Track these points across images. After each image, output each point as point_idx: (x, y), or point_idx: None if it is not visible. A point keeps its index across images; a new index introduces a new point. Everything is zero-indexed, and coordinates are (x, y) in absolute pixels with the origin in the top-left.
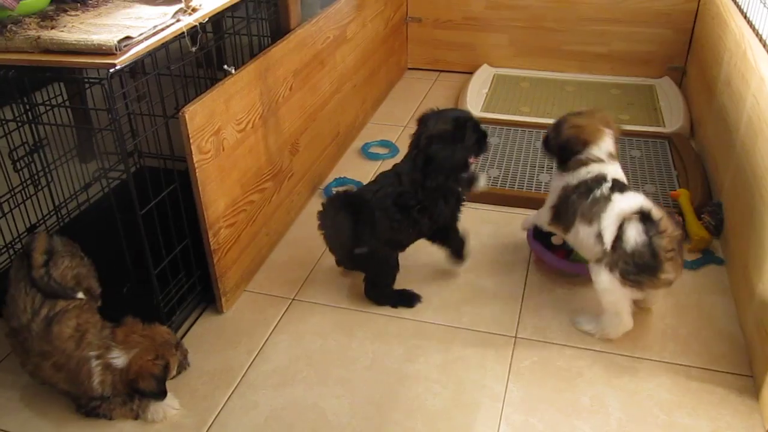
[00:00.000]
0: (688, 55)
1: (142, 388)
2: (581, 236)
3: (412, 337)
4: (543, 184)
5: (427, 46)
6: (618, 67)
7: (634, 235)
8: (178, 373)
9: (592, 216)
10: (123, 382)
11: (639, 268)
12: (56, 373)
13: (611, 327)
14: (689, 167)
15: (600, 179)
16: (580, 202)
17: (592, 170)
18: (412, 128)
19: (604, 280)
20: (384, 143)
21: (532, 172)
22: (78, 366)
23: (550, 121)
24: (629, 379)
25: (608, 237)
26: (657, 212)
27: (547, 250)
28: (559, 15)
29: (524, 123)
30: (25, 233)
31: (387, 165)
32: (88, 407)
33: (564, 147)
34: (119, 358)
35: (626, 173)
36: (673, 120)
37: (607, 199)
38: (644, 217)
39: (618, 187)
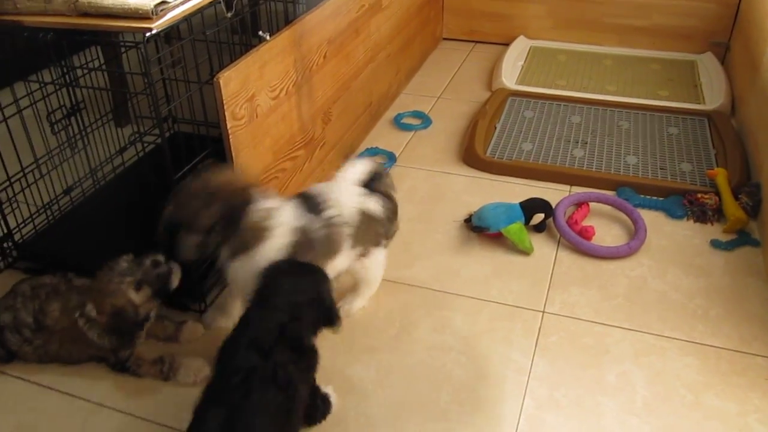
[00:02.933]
0: (733, 31)
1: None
2: (341, 265)
3: (439, 309)
4: (577, 159)
5: (463, 16)
6: (659, 42)
7: (375, 204)
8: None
9: (337, 245)
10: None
11: (391, 221)
12: (76, 345)
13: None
14: (728, 146)
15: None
16: (314, 255)
17: (280, 213)
18: (446, 99)
19: (382, 255)
20: (417, 114)
21: (566, 146)
22: (77, 331)
23: (586, 95)
24: (657, 358)
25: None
26: (372, 166)
27: (576, 235)
28: None
29: (559, 97)
30: (62, 195)
31: (419, 136)
32: (115, 362)
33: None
34: (93, 311)
35: (663, 151)
36: (714, 97)
37: (331, 220)
38: (373, 178)
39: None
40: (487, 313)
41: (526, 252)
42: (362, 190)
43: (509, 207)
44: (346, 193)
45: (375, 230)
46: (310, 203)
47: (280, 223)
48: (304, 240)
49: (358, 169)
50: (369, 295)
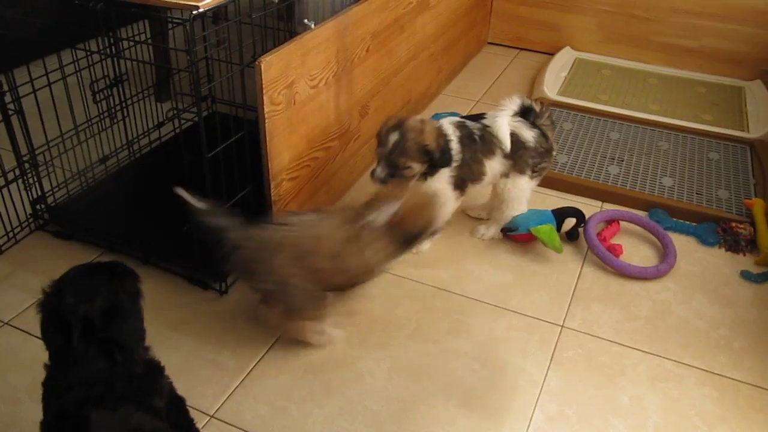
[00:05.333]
0: None
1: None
2: (494, 169)
3: (457, 312)
4: (611, 175)
5: (510, 22)
6: (706, 65)
7: (528, 132)
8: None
9: (491, 147)
10: None
11: (542, 156)
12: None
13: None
14: None
15: (463, 127)
16: (475, 149)
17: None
18: (485, 103)
19: (526, 184)
20: (454, 115)
21: (602, 162)
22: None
23: (627, 112)
24: (674, 385)
25: (506, 140)
26: (527, 101)
27: (606, 250)
28: (651, 3)
29: (600, 111)
30: (98, 163)
31: None
32: None
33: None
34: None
35: (700, 175)
36: (759, 126)
37: (486, 128)
38: (524, 111)
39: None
40: (505, 321)
41: (555, 250)
42: (520, 119)
43: (540, 211)
44: (502, 115)
45: (522, 156)
46: (471, 117)
47: (448, 125)
48: (466, 135)
49: (515, 101)
50: (506, 218)
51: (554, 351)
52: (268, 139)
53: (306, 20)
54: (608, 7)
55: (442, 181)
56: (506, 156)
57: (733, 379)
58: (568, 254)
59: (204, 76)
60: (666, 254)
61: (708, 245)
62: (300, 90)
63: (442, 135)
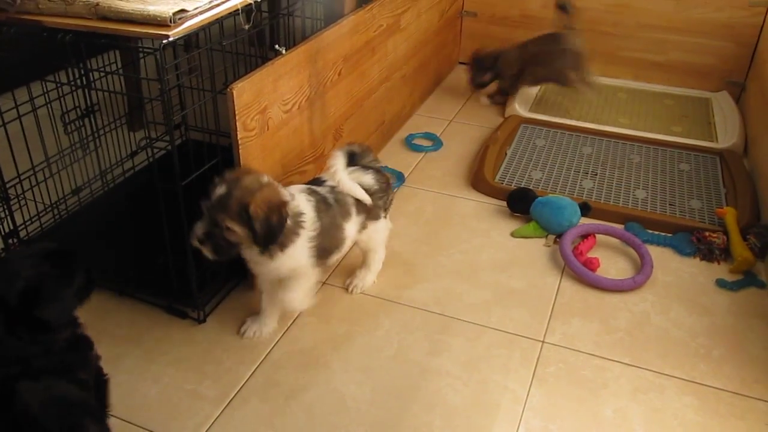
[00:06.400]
0: (749, 71)
1: None
2: (352, 231)
3: (438, 332)
4: (585, 190)
5: (480, 41)
6: (674, 78)
7: (367, 177)
8: None
9: (347, 208)
10: None
11: (385, 192)
12: None
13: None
14: (739, 186)
15: (314, 193)
16: (333, 214)
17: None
18: (459, 123)
19: (383, 224)
20: (428, 135)
21: (575, 177)
22: None
23: (598, 127)
24: (655, 396)
25: (363, 195)
26: (349, 148)
27: (581, 265)
28: (618, 19)
29: (571, 126)
30: (71, 195)
31: (429, 158)
32: None
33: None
34: None
35: (673, 187)
36: (727, 136)
37: (334, 189)
38: (350, 159)
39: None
40: (486, 339)
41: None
42: (354, 168)
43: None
44: (339, 173)
45: (373, 203)
46: (315, 182)
47: (300, 193)
48: (320, 199)
49: (340, 155)
50: (378, 267)
51: (536, 367)
52: (242, 165)
53: (277, 45)
54: (576, 24)
55: (301, 255)
56: (359, 211)
57: (713, 387)
58: (546, 269)
59: (176, 104)
60: (643, 265)
61: (685, 255)
62: (273, 115)
63: (277, 209)
